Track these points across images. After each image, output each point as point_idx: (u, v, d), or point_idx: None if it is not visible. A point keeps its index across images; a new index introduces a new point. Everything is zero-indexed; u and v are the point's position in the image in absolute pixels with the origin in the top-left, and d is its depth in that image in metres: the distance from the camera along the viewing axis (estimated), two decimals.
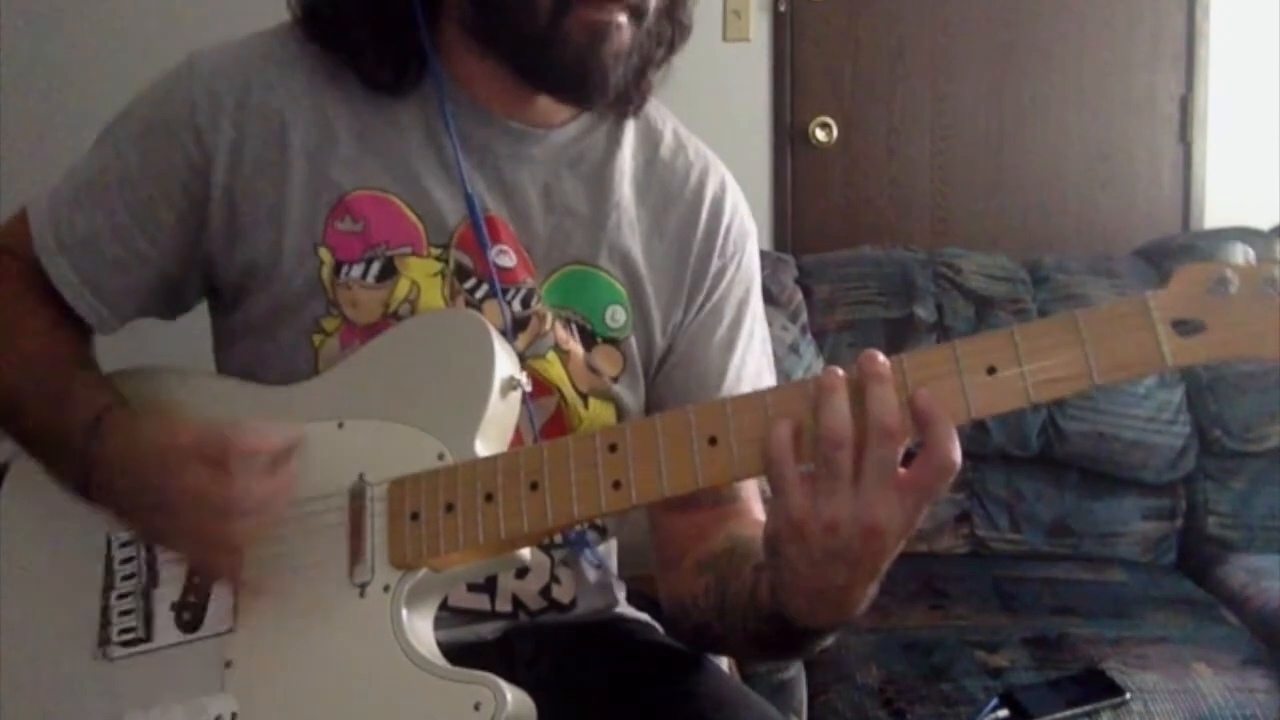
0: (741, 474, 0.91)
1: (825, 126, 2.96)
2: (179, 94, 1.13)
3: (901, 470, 0.86)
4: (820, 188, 2.99)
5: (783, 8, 2.92)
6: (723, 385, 1.21)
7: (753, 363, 1.24)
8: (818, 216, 2.99)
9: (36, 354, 1.13)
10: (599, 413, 1.18)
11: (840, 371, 0.88)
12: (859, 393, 0.86)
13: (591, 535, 1.23)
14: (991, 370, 0.86)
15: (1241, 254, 0.72)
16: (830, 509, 0.86)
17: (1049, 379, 0.86)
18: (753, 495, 1.17)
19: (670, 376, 1.22)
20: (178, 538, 1.04)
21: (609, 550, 1.29)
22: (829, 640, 1.01)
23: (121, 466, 1.04)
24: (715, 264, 1.23)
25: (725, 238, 1.24)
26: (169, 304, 1.22)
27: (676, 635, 1.23)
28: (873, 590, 0.93)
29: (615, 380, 1.19)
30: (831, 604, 0.93)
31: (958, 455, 0.85)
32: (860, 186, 3.00)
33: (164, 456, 1.01)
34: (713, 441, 0.91)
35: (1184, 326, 0.84)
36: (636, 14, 1.10)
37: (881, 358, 0.87)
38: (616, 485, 0.94)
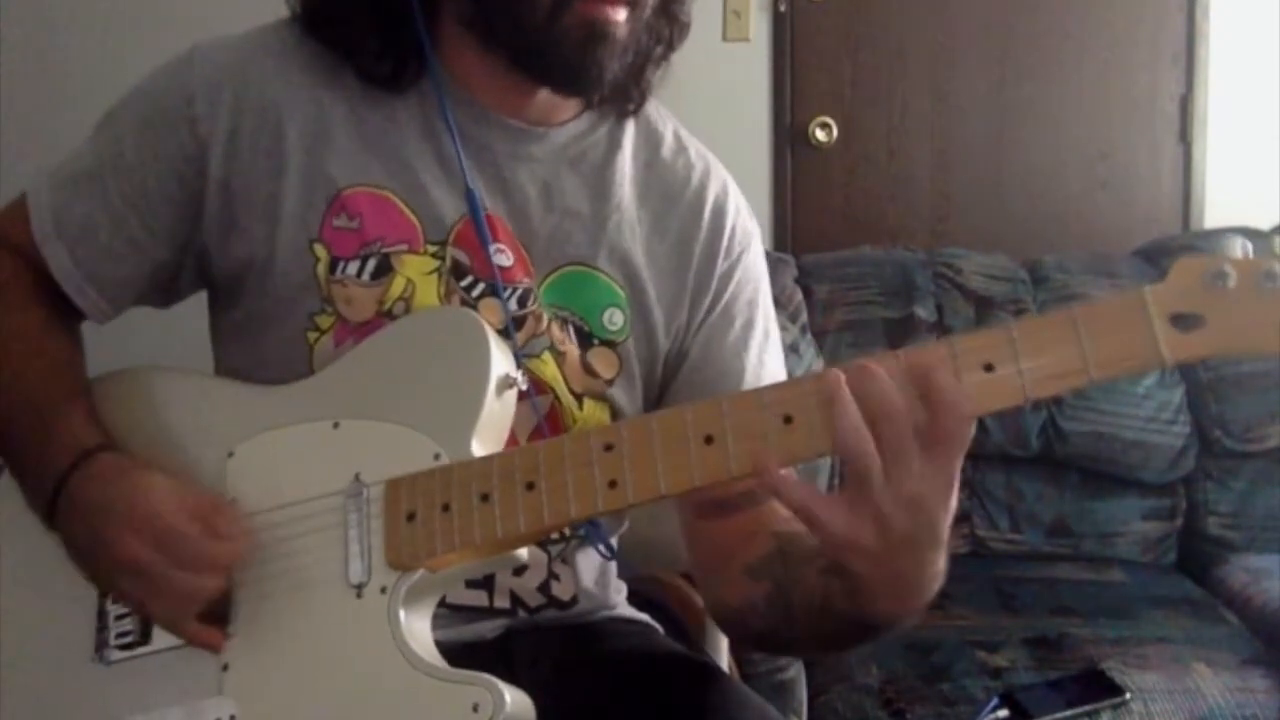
0: (738, 472, 0.91)
1: (825, 126, 2.96)
2: (178, 85, 1.14)
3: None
4: (820, 188, 2.99)
5: (783, 8, 2.92)
6: (743, 386, 1.20)
7: (770, 361, 1.24)
8: (818, 216, 2.99)
9: (29, 364, 1.12)
10: (594, 414, 1.17)
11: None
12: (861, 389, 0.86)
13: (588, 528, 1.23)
14: (989, 367, 0.86)
15: (1240, 247, 0.72)
16: (870, 509, 0.86)
17: (1046, 376, 0.85)
18: None
19: (690, 381, 1.21)
20: (137, 589, 1.03)
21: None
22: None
23: (89, 510, 1.04)
24: (721, 265, 1.23)
25: (730, 239, 1.24)
26: (164, 293, 1.22)
27: (734, 639, 1.21)
28: (941, 563, 0.92)
29: (610, 383, 1.18)
30: (911, 592, 0.93)
31: (963, 394, 0.85)
32: (860, 186, 3.00)
33: (131, 516, 1.01)
34: (709, 440, 0.91)
35: (1182, 321, 0.84)
36: (634, 6, 1.10)
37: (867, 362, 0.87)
38: (613, 485, 0.93)
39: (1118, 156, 2.99)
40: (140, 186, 1.14)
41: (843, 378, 0.87)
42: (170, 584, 1.01)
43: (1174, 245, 2.71)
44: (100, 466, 1.05)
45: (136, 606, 1.05)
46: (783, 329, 2.43)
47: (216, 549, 1.02)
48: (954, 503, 0.88)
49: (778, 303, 2.44)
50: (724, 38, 2.92)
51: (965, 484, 2.47)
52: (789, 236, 2.96)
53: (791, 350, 2.44)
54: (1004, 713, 1.86)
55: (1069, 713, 1.88)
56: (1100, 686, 1.93)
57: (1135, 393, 2.46)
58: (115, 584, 1.05)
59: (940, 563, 0.92)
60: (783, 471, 0.90)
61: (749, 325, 1.23)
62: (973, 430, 0.86)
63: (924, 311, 2.52)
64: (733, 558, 1.12)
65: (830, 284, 2.58)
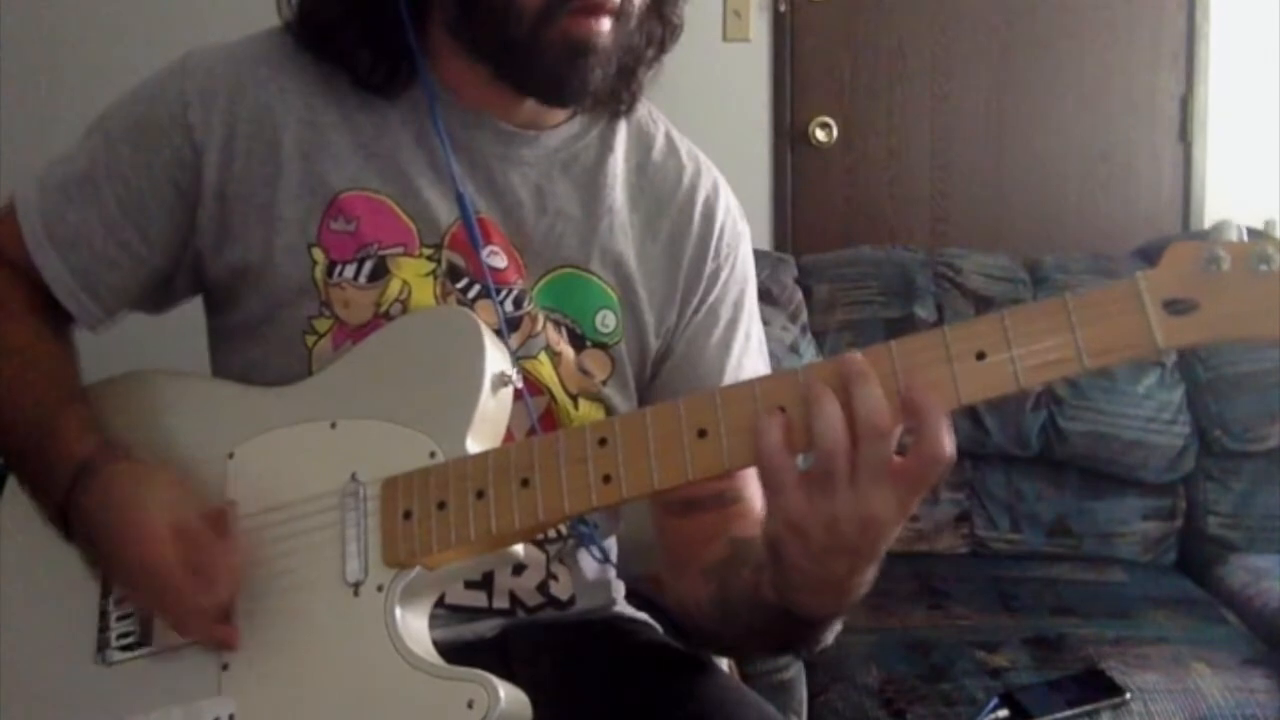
0: (731, 465, 0.91)
1: (825, 126, 2.96)
2: (172, 91, 1.14)
3: (897, 458, 0.86)
4: (820, 188, 2.99)
5: (783, 8, 2.92)
6: (721, 385, 1.20)
7: (749, 364, 1.24)
8: (818, 216, 2.99)
9: (23, 377, 1.12)
10: (589, 414, 1.17)
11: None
12: (846, 392, 0.86)
13: (582, 530, 1.23)
14: (981, 355, 0.86)
15: (1235, 232, 0.73)
16: (828, 507, 0.87)
17: (1039, 363, 0.85)
18: (756, 495, 1.16)
19: (669, 379, 1.22)
20: (152, 600, 1.05)
21: (609, 547, 1.28)
22: (836, 628, 1.02)
23: (100, 524, 1.04)
24: (710, 266, 1.23)
25: (719, 240, 1.24)
26: (158, 300, 1.22)
27: (683, 639, 1.23)
28: (872, 574, 0.93)
29: (604, 383, 1.19)
30: (835, 593, 0.94)
31: (950, 446, 0.85)
32: (860, 186, 3.00)
33: (140, 531, 1.02)
34: (702, 434, 0.91)
35: (1175, 306, 0.83)
36: (620, 15, 1.09)
37: (859, 356, 0.87)
38: (607, 479, 0.94)
39: (1118, 156, 2.99)
40: (135, 193, 1.14)
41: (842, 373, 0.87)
42: (188, 595, 1.02)
43: None
44: (100, 481, 1.05)
45: (159, 612, 1.06)
46: (783, 329, 2.46)
47: (223, 551, 1.03)
48: (899, 529, 0.89)
49: (778, 303, 2.48)
50: (724, 38, 2.92)
51: (965, 484, 2.50)
52: (789, 236, 2.96)
53: (791, 350, 2.44)
54: (1004, 713, 1.86)
55: (1069, 713, 1.87)
56: (1100, 686, 1.93)
57: (1135, 392, 2.46)
58: (137, 592, 1.06)
59: (872, 574, 0.93)
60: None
61: (732, 325, 1.24)
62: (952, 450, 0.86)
63: (924, 311, 2.52)
64: (695, 557, 1.14)
65: (830, 284, 2.58)
